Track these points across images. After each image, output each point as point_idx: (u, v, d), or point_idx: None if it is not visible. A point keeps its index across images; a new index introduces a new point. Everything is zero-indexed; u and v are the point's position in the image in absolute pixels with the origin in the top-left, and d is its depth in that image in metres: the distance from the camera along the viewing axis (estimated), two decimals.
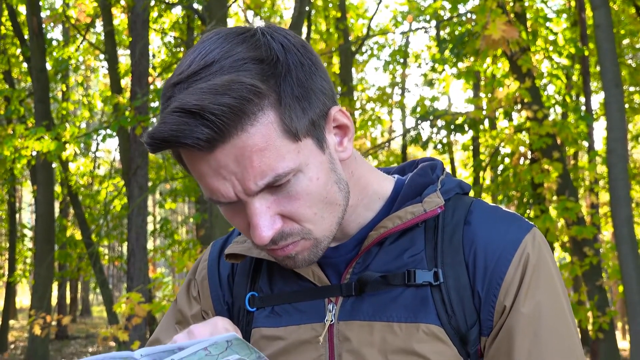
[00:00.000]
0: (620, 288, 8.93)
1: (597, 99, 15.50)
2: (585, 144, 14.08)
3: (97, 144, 21.87)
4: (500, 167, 12.41)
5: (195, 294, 1.59)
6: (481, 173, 13.20)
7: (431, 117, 12.14)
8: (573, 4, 13.50)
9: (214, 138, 1.14)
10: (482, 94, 12.20)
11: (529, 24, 12.04)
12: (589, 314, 9.70)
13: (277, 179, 1.19)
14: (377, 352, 1.31)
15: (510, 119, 11.93)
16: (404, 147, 17.84)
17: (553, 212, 10.73)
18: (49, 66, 15.42)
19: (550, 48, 13.18)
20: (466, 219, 1.36)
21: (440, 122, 12.37)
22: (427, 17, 16.08)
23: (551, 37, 13.51)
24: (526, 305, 1.29)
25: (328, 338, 1.36)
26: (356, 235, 1.40)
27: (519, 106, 10.86)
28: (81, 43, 17.77)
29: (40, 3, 14.23)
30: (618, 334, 18.24)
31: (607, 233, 18.35)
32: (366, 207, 1.40)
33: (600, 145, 15.36)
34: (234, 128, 1.14)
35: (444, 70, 14.56)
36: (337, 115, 1.28)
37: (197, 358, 0.97)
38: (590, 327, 10.31)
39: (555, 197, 10.65)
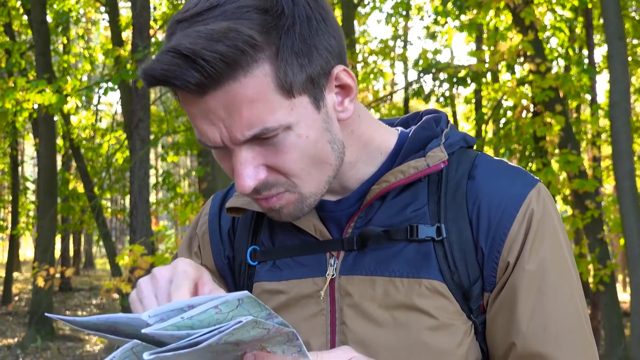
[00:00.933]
0: (621, 241, 8.95)
1: (600, 52, 15.40)
2: (588, 97, 14.03)
3: (99, 97, 21.79)
4: (503, 120, 12.36)
5: (196, 249, 1.59)
6: (483, 126, 13.17)
7: (433, 70, 12.09)
8: None
9: (204, 84, 1.13)
10: (484, 47, 12.11)
11: None
12: (590, 266, 9.73)
13: (264, 132, 1.18)
14: (378, 306, 1.31)
15: (513, 72, 11.85)
16: (406, 100, 17.77)
17: (555, 166, 10.72)
18: (49, 18, 15.35)
19: (554, 0, 13.07)
20: (470, 173, 1.35)
21: (442, 75, 12.32)
22: None
23: None
24: (530, 262, 1.28)
25: (329, 292, 1.36)
26: (358, 190, 1.39)
27: (522, 59, 10.80)
28: None
29: None
30: (619, 287, 18.32)
31: (608, 186, 18.38)
32: (366, 162, 1.39)
33: (602, 98, 15.29)
34: (225, 76, 1.13)
35: (446, 22, 14.46)
36: (340, 74, 1.26)
37: (207, 316, 0.96)
38: (591, 280, 10.36)
39: (557, 151, 10.63)
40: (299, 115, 1.20)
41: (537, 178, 1.35)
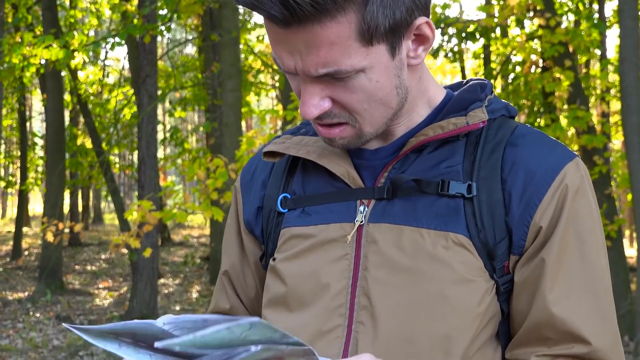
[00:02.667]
0: (629, 196, 8.94)
1: (611, 6, 15.30)
2: (598, 52, 13.94)
3: (106, 52, 21.73)
4: (512, 76, 12.31)
5: (234, 201, 1.63)
6: (492, 81, 13.11)
7: (442, 25, 12.00)
8: None
9: (290, 20, 1.18)
10: (494, 1, 12.02)
11: None
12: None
13: (337, 73, 1.23)
14: (404, 255, 1.32)
15: (522, 27, 11.77)
16: None
17: (564, 121, 10.68)
18: None
19: None
20: (510, 139, 1.37)
21: (451, 30, 12.24)
22: None
23: None
24: (563, 233, 1.30)
25: (356, 238, 1.37)
26: (397, 141, 1.41)
27: (531, 13, 10.71)
28: None
29: None
30: (625, 242, 18.34)
31: (617, 142, 18.32)
32: (418, 113, 1.42)
33: (612, 53, 15.20)
34: (311, 18, 1.17)
35: None
36: (422, 26, 1.29)
37: (219, 336, 0.98)
38: None
39: (566, 106, 10.60)
40: (374, 61, 1.24)
41: (577, 153, 1.37)
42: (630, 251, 19.75)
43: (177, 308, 13.09)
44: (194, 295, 14.86)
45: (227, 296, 1.65)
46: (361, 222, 1.38)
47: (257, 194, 1.56)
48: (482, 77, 1.52)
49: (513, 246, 1.33)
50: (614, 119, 16.68)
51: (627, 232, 22.59)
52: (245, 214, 1.57)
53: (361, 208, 1.39)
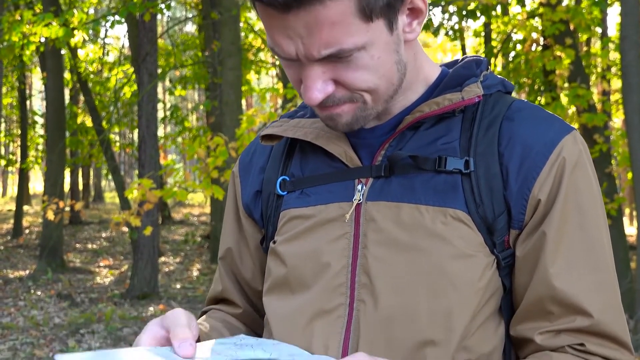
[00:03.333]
0: (629, 175, 8.96)
1: None
2: (599, 30, 13.90)
3: (106, 31, 21.72)
4: (512, 54, 12.28)
5: (232, 186, 1.63)
6: (492, 60, 13.08)
7: (443, 3, 11.96)
8: None
9: (290, 4, 1.17)
10: None
11: None
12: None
13: (340, 52, 1.22)
14: (402, 232, 1.32)
15: (523, 5, 11.73)
16: None
17: (564, 99, 10.67)
18: None
19: None
20: (506, 114, 1.37)
21: (452, 8, 12.20)
22: None
23: None
24: (562, 207, 1.31)
25: (355, 217, 1.37)
26: (394, 118, 1.42)
27: None
28: None
29: None
30: (625, 220, 18.37)
31: (617, 120, 18.31)
32: (414, 90, 1.42)
33: (613, 31, 15.15)
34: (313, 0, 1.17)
35: None
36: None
37: None
38: None
39: (566, 84, 10.58)
40: (374, 37, 1.24)
41: (574, 127, 1.37)
42: (630, 229, 19.80)
43: (178, 286, 13.14)
44: (195, 273, 14.91)
45: (221, 279, 1.66)
46: (359, 200, 1.38)
47: (256, 178, 1.56)
48: (479, 54, 1.51)
49: (512, 220, 1.33)
50: (615, 97, 16.68)
51: (627, 211, 22.64)
52: (244, 198, 1.57)
53: (359, 187, 1.39)
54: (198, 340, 1.34)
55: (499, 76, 1.45)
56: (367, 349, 1.28)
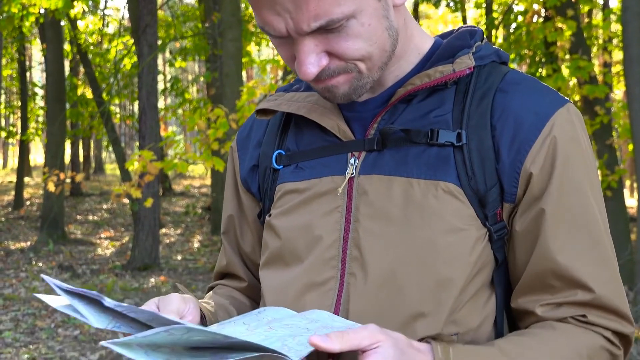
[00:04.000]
0: (630, 147, 8.94)
1: None
2: (600, 1, 13.84)
3: (106, 2, 21.65)
4: (513, 26, 12.23)
5: (231, 160, 1.64)
6: (493, 31, 13.03)
7: None
8: None
9: None
10: None
11: None
12: (598, 172, 9.74)
13: (330, 23, 1.21)
14: (394, 205, 1.33)
15: None
16: (416, 5, 17.57)
17: (565, 71, 10.64)
18: None
19: None
20: (499, 86, 1.36)
21: None
22: None
23: None
24: (559, 183, 1.31)
25: (347, 190, 1.38)
26: (386, 91, 1.41)
27: None
28: None
29: None
30: (626, 192, 18.39)
31: (619, 92, 18.27)
32: (407, 60, 1.41)
33: (615, 2, 15.09)
34: None
35: None
36: None
37: (159, 337, 1.02)
38: None
39: (568, 56, 10.55)
40: (362, 5, 1.23)
41: (568, 99, 1.36)
42: (630, 201, 19.84)
43: (179, 258, 13.18)
44: (196, 245, 14.96)
45: (225, 254, 1.67)
46: (352, 174, 1.38)
47: (253, 153, 1.57)
48: (478, 26, 1.50)
49: (505, 194, 1.33)
50: (616, 69, 16.64)
51: (627, 183, 22.64)
52: (242, 173, 1.58)
53: (352, 160, 1.39)
54: (202, 321, 1.38)
55: (493, 46, 1.44)
56: (357, 322, 1.28)
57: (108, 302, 1.12)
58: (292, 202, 1.44)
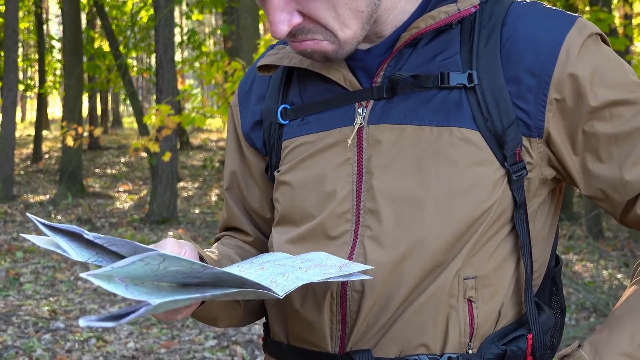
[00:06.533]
0: None
1: None
2: None
3: None
4: None
5: (231, 118, 1.61)
6: None
7: None
8: None
9: None
10: None
11: None
12: None
13: None
14: (407, 155, 1.30)
15: None
16: None
17: None
18: None
19: None
20: (505, 20, 1.32)
21: None
22: None
23: None
24: (600, 104, 1.28)
25: (357, 141, 1.35)
26: (389, 38, 1.37)
27: None
28: None
29: None
30: None
31: (639, 44, 18.07)
32: (403, 9, 1.37)
33: None
34: None
35: None
36: None
37: (136, 267, 1.01)
38: None
39: (587, 8, 10.44)
40: None
41: (578, 15, 1.31)
42: None
43: (197, 211, 13.25)
44: (213, 198, 15.02)
45: (228, 209, 1.64)
46: (361, 124, 1.35)
47: (256, 108, 1.54)
48: None
49: (532, 129, 1.29)
50: (637, 21, 16.44)
51: None
52: (244, 128, 1.55)
53: (360, 110, 1.36)
54: None
55: None
56: (374, 274, 1.26)
57: (88, 235, 1.12)
58: (301, 156, 1.41)
